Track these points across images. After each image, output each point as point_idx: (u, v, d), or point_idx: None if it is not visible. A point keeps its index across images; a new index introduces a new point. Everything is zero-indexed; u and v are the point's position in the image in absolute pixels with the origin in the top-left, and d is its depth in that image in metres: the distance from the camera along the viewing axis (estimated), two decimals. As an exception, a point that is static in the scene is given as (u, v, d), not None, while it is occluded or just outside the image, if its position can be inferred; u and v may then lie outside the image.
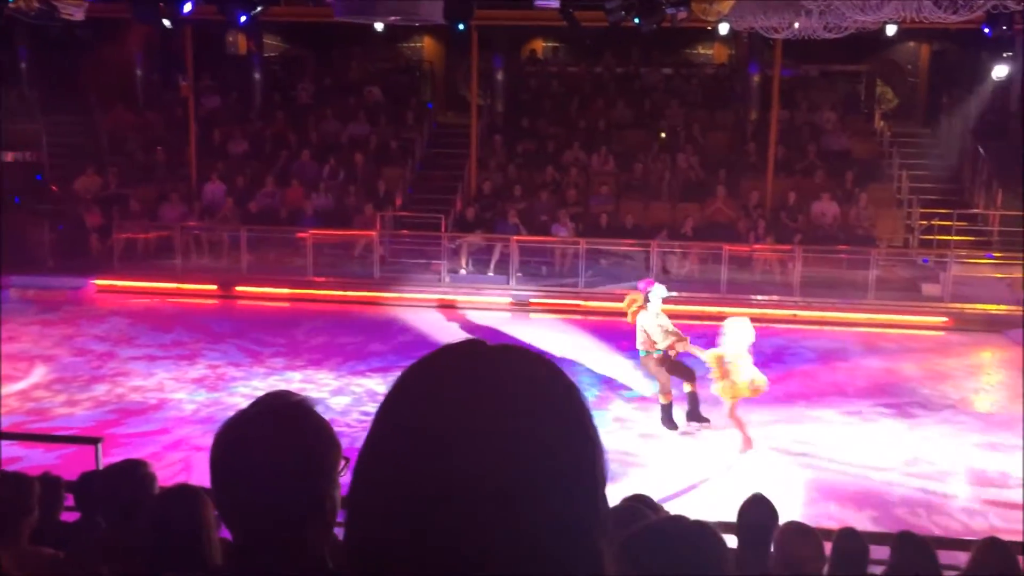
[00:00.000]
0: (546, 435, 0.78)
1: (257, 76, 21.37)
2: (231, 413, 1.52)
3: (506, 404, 0.78)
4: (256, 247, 16.73)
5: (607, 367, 12.29)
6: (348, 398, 10.60)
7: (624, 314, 9.93)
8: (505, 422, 0.77)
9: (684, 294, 15.53)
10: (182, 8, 11.81)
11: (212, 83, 21.22)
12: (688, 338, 9.70)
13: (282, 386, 11.08)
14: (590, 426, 0.82)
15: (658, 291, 9.62)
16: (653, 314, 9.56)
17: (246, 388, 10.89)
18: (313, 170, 18.84)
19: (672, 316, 15.00)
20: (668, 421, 9.79)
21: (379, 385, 11.19)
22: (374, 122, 20.21)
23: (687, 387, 9.75)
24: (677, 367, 9.77)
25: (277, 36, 23.81)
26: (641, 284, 9.98)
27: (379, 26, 17.19)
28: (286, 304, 15.75)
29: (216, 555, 2.04)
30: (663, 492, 8.24)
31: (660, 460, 9.09)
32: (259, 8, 11.11)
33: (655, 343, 9.52)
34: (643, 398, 11.00)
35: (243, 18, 11.01)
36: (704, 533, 1.33)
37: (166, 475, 7.89)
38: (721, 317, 14.50)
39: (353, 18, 10.03)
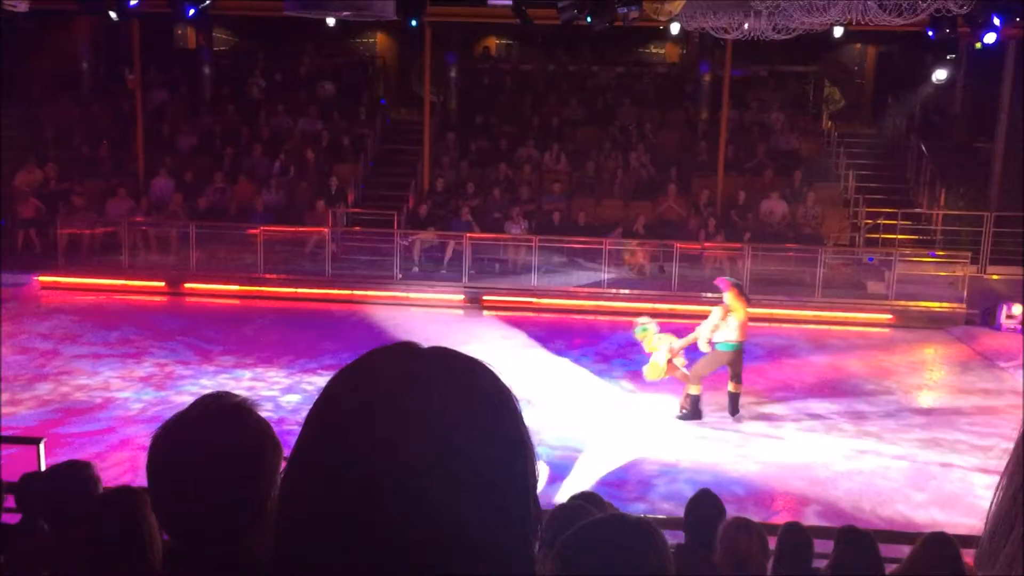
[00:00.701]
0: (477, 437, 0.78)
1: (206, 70, 21.09)
2: (206, 394, 1.51)
3: (437, 406, 0.79)
4: (205, 243, 16.51)
5: (560, 364, 12.34)
6: (299, 396, 10.51)
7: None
8: (436, 424, 0.77)
9: (635, 291, 15.70)
10: (129, 1, 11.61)
11: (160, 77, 20.88)
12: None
13: (231, 384, 10.98)
14: (522, 429, 0.83)
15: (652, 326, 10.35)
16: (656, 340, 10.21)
17: (194, 387, 10.74)
18: (264, 166, 18.64)
19: (625, 312, 15.18)
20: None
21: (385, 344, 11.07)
22: (326, 118, 20.06)
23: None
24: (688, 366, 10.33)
25: (227, 30, 23.52)
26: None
27: (331, 21, 17.04)
28: (236, 301, 15.57)
29: (157, 558, 2.02)
30: (612, 486, 8.31)
31: (611, 455, 9.15)
32: (208, 2, 10.96)
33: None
34: (594, 394, 11.06)
35: (191, 11, 10.84)
36: (639, 531, 1.35)
37: (112, 475, 7.76)
38: (671, 315, 14.70)
39: (304, 13, 9.95)
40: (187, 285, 15.77)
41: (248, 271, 15.97)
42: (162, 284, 15.76)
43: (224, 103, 20.54)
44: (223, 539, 1.32)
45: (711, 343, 10.08)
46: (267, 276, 15.92)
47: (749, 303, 10.29)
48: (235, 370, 11.53)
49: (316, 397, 0.86)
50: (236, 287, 15.74)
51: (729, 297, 10.07)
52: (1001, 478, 0.70)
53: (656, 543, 1.33)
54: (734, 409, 10.19)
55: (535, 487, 0.83)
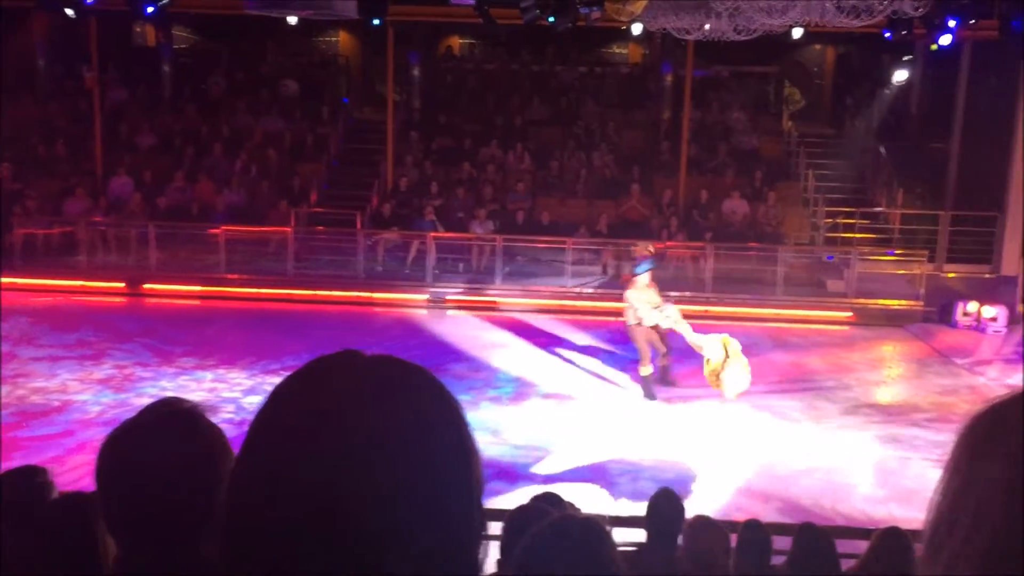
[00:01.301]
0: (421, 445, 0.79)
1: (166, 68, 20.84)
2: (155, 400, 1.49)
3: (381, 415, 0.79)
4: (165, 243, 16.33)
5: (524, 364, 12.36)
6: (261, 397, 10.36)
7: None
8: (380, 433, 0.78)
9: (599, 291, 15.77)
10: (86, -3, 11.44)
11: (119, 75, 20.60)
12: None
13: (193, 386, 10.88)
14: (465, 434, 0.83)
15: (644, 266, 10.54)
16: (639, 289, 10.43)
17: (154, 388, 10.62)
18: (225, 165, 18.47)
19: (590, 312, 15.23)
20: (648, 392, 10.59)
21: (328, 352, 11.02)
22: (289, 117, 19.91)
23: (661, 360, 10.72)
24: (658, 338, 10.58)
25: (187, 28, 23.25)
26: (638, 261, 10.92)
27: (292, 20, 16.92)
28: (197, 302, 15.41)
29: (110, 566, 1.98)
30: (578, 487, 8.34)
31: (575, 455, 9.18)
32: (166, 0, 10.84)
33: (640, 316, 10.34)
34: (558, 394, 11.10)
35: (150, 9, 10.71)
36: (587, 531, 1.36)
37: (70, 479, 7.64)
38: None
39: (265, 11, 9.87)
40: (147, 286, 15.58)
41: (209, 271, 15.82)
42: (121, 285, 15.55)
43: (184, 102, 20.32)
44: (175, 546, 1.31)
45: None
46: (229, 276, 15.78)
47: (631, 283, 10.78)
48: (196, 371, 11.41)
49: (261, 403, 0.86)
50: (197, 287, 15.58)
51: None
52: (944, 472, 0.71)
53: (603, 542, 1.34)
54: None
55: (480, 492, 0.83)
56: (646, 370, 10.58)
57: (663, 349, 10.78)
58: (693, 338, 10.37)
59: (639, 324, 10.40)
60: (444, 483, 0.79)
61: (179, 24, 21.95)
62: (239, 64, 21.91)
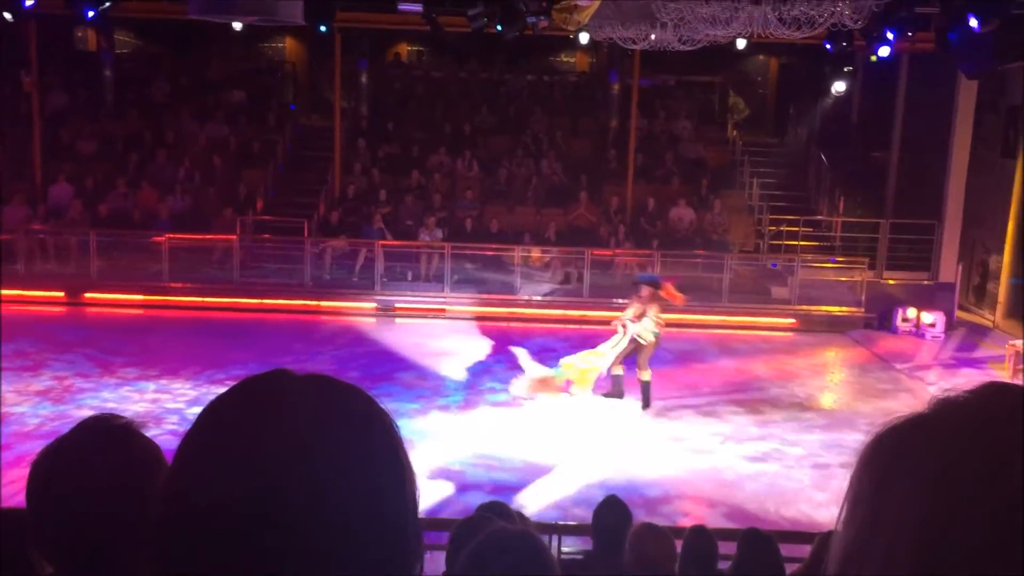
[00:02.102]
0: (354, 465, 0.79)
1: (108, 73, 20.45)
2: (89, 416, 1.45)
3: (312, 436, 0.78)
4: (107, 252, 16.01)
5: (473, 372, 12.35)
6: (206, 408, 10.27)
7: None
8: (312, 453, 0.77)
9: (548, 298, 15.82)
10: (24, 1, 11.20)
11: (59, 79, 20.17)
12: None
13: (135, 397, 10.68)
14: (399, 453, 0.83)
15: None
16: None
17: (95, 400, 10.42)
18: (168, 172, 18.18)
19: (538, 319, 15.28)
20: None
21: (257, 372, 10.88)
22: (234, 123, 19.68)
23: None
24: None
25: (130, 32, 22.86)
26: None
27: (238, 25, 16.73)
28: (139, 311, 15.14)
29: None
30: (527, 495, 8.35)
31: (524, 463, 9.19)
32: (108, 4, 10.64)
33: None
34: (508, 402, 11.11)
35: (91, 13, 10.52)
36: (521, 542, 1.36)
37: (7, 494, 7.45)
38: (583, 320, 14.88)
39: (209, 16, 9.73)
40: (88, 295, 15.27)
41: (152, 280, 15.55)
42: (61, 294, 15.22)
43: (127, 107, 19.97)
44: (109, 567, 1.28)
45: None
46: (172, 285, 15.53)
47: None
48: (138, 382, 11.21)
49: (190, 427, 0.85)
50: (140, 296, 15.32)
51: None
52: (846, 503, 0.70)
53: (540, 555, 1.35)
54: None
55: (415, 511, 0.83)
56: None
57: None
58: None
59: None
60: (378, 503, 0.79)
61: (121, 29, 21.57)
62: (183, 69, 21.60)
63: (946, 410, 0.66)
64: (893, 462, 0.65)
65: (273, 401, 0.81)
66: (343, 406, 0.82)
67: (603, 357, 10.64)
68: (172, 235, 16.02)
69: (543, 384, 10.64)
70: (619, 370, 10.84)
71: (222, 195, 17.72)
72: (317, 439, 0.78)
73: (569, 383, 10.69)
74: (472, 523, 2.53)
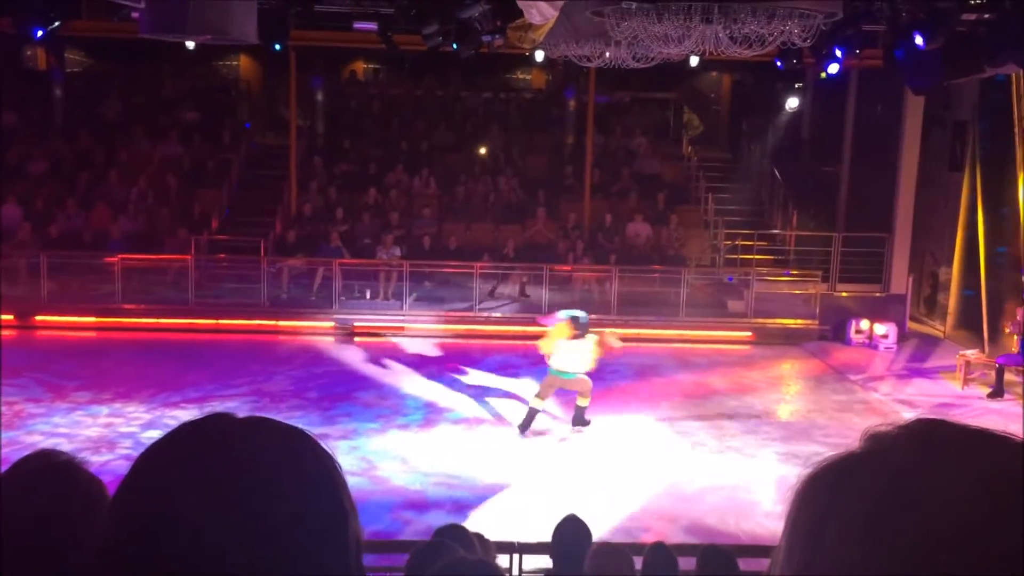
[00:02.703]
0: (294, 509, 0.78)
1: (58, 92, 20.17)
2: (29, 453, 1.41)
3: (252, 481, 0.78)
4: (58, 273, 15.72)
5: (433, 390, 12.31)
6: (161, 431, 10.07)
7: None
8: (251, 499, 0.77)
9: (506, 315, 15.84)
10: (-30, 20, 11.00)
11: (7, 98, 19.81)
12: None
13: (87, 422, 10.48)
14: (342, 497, 0.82)
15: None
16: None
17: (46, 425, 10.21)
18: (121, 191, 17.93)
19: (498, 336, 15.27)
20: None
21: (195, 416, 10.70)
22: (188, 142, 19.48)
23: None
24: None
25: (80, 51, 22.55)
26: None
27: (191, 44, 16.57)
28: (92, 334, 14.89)
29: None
30: (488, 514, 8.32)
31: (485, 481, 9.16)
32: (56, 24, 10.49)
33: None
34: (467, 419, 11.08)
35: (39, 33, 10.37)
36: (481, 572, 1.36)
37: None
38: (543, 336, 14.87)
39: (161, 36, 9.62)
40: (38, 318, 14.98)
41: (105, 301, 15.30)
42: (10, 317, 14.90)
43: (78, 127, 19.69)
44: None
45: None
46: (125, 306, 15.30)
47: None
48: (91, 406, 11.00)
49: (127, 472, 0.83)
50: (92, 319, 15.06)
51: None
52: (784, 538, 0.70)
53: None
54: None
55: (357, 551, 0.83)
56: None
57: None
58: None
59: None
60: (319, 546, 0.78)
61: (72, 47, 21.28)
62: (135, 88, 21.35)
63: (877, 447, 0.67)
64: (827, 500, 0.66)
65: (211, 448, 0.80)
66: (282, 450, 0.82)
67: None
68: (125, 256, 15.79)
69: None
70: (539, 404, 10.46)
71: (176, 215, 17.51)
72: (255, 485, 0.77)
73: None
74: (430, 548, 2.51)
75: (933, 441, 0.66)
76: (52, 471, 1.33)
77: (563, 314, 10.59)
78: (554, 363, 10.33)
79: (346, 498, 0.82)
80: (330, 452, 0.85)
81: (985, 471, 0.62)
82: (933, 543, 0.59)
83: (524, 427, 10.44)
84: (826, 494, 0.66)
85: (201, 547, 0.74)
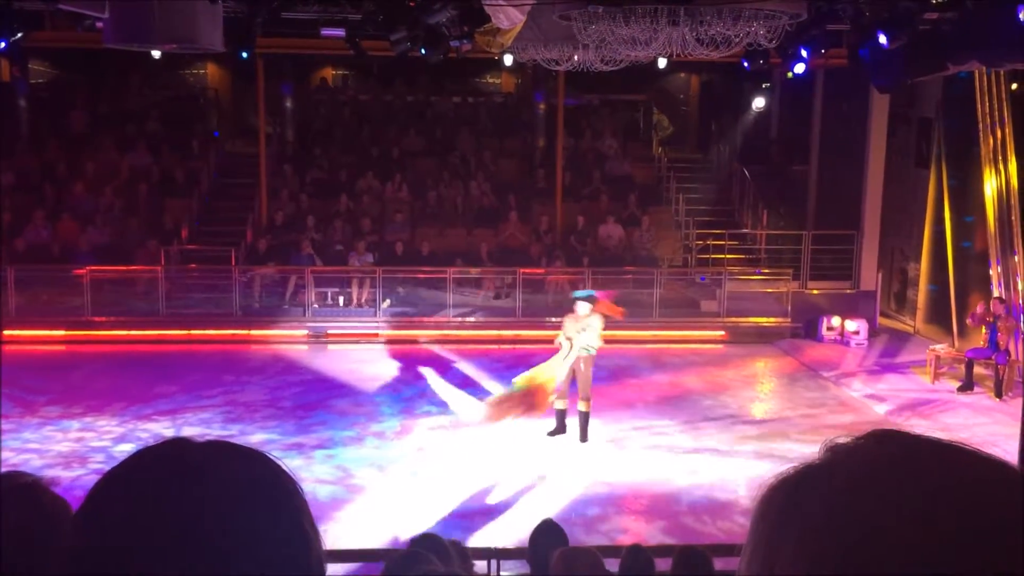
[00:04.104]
0: (254, 535, 0.77)
1: (23, 103, 19.93)
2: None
3: (210, 507, 0.77)
4: (25, 287, 15.51)
5: (408, 396, 12.27)
6: (133, 445, 10.00)
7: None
8: (209, 526, 0.76)
9: (480, 319, 15.83)
10: (-70, 32, 10.82)
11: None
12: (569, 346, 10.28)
13: (58, 436, 10.36)
14: (303, 520, 0.82)
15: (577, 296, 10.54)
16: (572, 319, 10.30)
17: (16, 441, 10.06)
18: (89, 203, 17.74)
19: (472, 341, 15.25)
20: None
21: (167, 428, 10.66)
22: (156, 152, 19.31)
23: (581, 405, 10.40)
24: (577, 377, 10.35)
25: (45, 62, 22.30)
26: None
27: (156, 53, 16.44)
28: (61, 347, 14.71)
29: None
30: (461, 518, 8.31)
31: (462, 487, 9.15)
32: (19, 35, 10.37)
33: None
34: (443, 425, 11.06)
35: (2, 44, 10.23)
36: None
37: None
38: (517, 340, 14.91)
39: (126, 45, 9.54)
40: (6, 332, 14.75)
41: (74, 314, 15.13)
42: (-22, 332, 14.69)
43: (44, 138, 19.46)
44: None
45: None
46: (95, 319, 15.13)
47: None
48: (62, 421, 10.88)
49: (84, 499, 0.82)
50: (61, 332, 14.89)
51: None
52: (746, 546, 0.71)
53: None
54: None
55: (320, 574, 0.82)
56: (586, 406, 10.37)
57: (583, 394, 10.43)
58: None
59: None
60: (280, 570, 0.78)
61: (36, 57, 21.04)
62: (102, 98, 21.15)
63: (835, 459, 0.68)
64: (786, 511, 0.67)
65: (170, 473, 0.80)
66: (242, 475, 0.81)
67: (557, 369, 10.29)
68: (93, 267, 15.62)
69: (500, 407, 10.38)
70: (562, 404, 10.45)
71: (145, 225, 17.35)
72: (214, 510, 0.77)
73: (530, 399, 10.28)
74: (404, 559, 2.50)
75: (889, 451, 0.66)
76: (16, 493, 1.31)
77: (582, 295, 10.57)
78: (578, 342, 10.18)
79: (307, 521, 0.82)
80: (292, 475, 0.84)
81: (938, 481, 0.63)
82: (885, 550, 0.60)
83: (584, 437, 10.37)
84: (784, 504, 0.67)
85: (161, 573, 0.73)
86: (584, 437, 10.41)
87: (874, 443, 0.68)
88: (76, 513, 0.80)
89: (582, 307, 10.34)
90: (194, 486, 0.78)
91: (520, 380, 10.42)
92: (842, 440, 0.69)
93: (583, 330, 10.21)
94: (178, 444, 0.83)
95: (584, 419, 10.40)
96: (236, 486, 0.79)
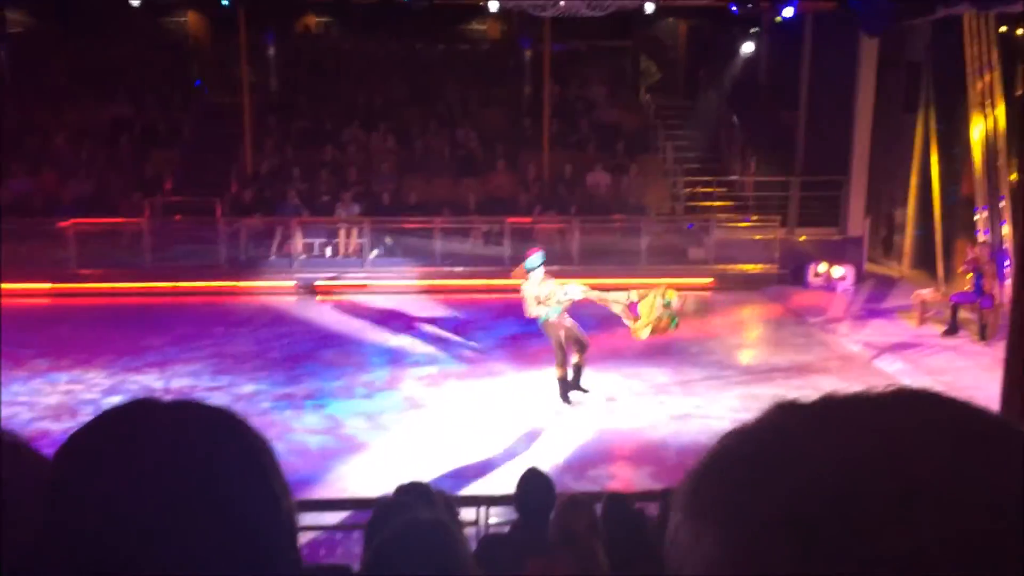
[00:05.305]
0: (220, 495, 0.77)
1: (1, 55, 19.59)
2: None
3: (175, 469, 0.76)
4: (9, 241, 15.33)
5: (397, 346, 12.31)
6: (122, 397, 10.01)
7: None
8: (175, 484, 0.75)
9: (468, 268, 15.81)
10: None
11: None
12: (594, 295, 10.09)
13: (47, 389, 10.37)
14: (272, 480, 0.81)
15: (533, 260, 9.94)
16: (533, 283, 9.86)
17: (5, 395, 10.04)
18: (71, 155, 17.55)
19: (460, 290, 15.25)
20: (563, 395, 10.08)
21: (156, 380, 10.68)
22: (138, 103, 19.07)
23: (575, 358, 10.06)
24: (569, 336, 9.98)
25: (22, 11, 21.86)
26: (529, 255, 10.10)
27: (135, 1, 16.16)
28: (47, 300, 14.66)
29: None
30: (455, 466, 8.38)
31: (451, 436, 9.22)
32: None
33: (537, 313, 9.85)
34: (432, 375, 11.11)
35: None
36: (432, 533, 1.36)
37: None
38: (506, 289, 14.88)
39: (103, -7, 9.39)
40: (-9, 286, 14.70)
41: (59, 268, 15.04)
42: (-38, 287, 14.61)
43: (23, 90, 19.17)
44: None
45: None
46: (81, 272, 15.06)
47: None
48: (50, 374, 10.88)
49: (52, 461, 0.82)
50: (47, 285, 14.82)
51: None
52: (670, 528, 0.63)
53: (450, 545, 1.35)
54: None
55: (290, 533, 0.82)
56: (558, 372, 10.04)
57: (576, 348, 10.09)
58: (616, 298, 10.01)
59: (547, 321, 9.87)
60: (248, 531, 0.77)
61: (12, 7, 20.63)
62: (81, 49, 20.79)
63: (732, 443, 0.61)
64: (691, 503, 0.59)
65: (134, 434, 0.79)
66: (208, 435, 0.80)
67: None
68: (77, 220, 15.50)
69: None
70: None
71: (129, 177, 17.19)
72: (181, 471, 0.76)
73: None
74: (389, 507, 2.52)
75: (787, 426, 0.61)
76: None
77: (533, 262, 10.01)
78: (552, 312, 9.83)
79: (276, 481, 0.81)
80: (260, 434, 0.83)
81: (822, 476, 0.54)
82: (785, 542, 0.54)
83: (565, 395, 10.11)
84: (691, 495, 0.61)
85: (128, 534, 0.73)
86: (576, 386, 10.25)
87: (771, 419, 0.60)
88: (45, 481, 0.80)
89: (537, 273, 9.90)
90: (158, 446, 0.77)
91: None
92: (740, 426, 0.63)
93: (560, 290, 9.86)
94: (143, 405, 0.82)
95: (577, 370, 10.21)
96: (202, 446, 0.79)
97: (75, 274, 15.01)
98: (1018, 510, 0.50)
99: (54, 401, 10.01)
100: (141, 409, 0.81)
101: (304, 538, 6.67)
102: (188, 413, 0.81)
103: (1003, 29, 13.65)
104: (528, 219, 16.77)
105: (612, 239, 16.42)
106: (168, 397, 0.82)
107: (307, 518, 6.43)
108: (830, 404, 0.60)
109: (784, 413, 0.60)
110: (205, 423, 0.81)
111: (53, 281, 14.85)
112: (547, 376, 10.61)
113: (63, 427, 8.90)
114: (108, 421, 0.81)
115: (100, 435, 0.80)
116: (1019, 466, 0.52)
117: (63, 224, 15.42)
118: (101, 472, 0.76)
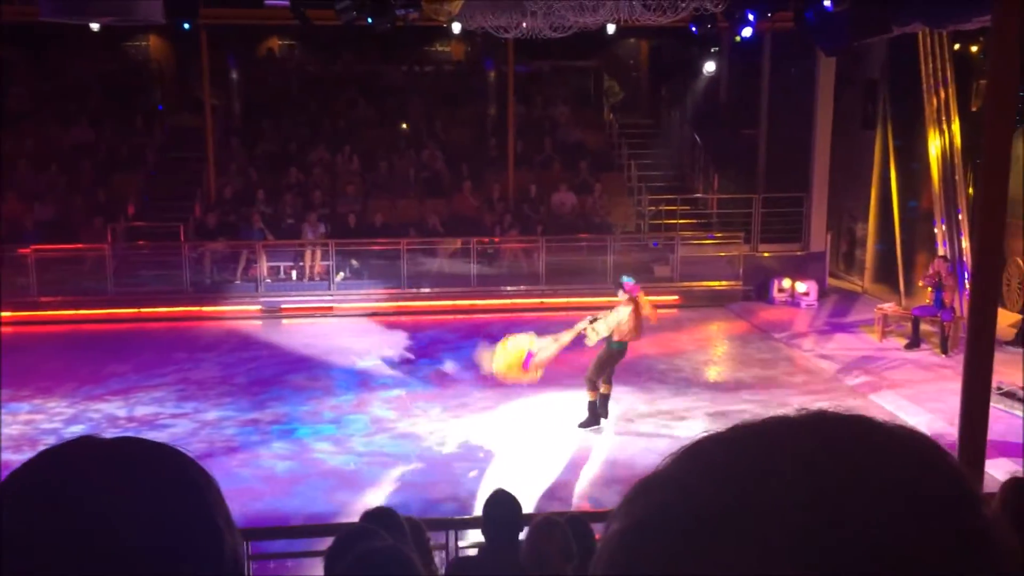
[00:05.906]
0: (161, 533, 0.76)
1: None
2: None
3: (113, 506, 0.76)
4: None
5: (364, 369, 12.25)
6: (84, 426, 9.91)
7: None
8: (112, 525, 0.75)
9: (435, 290, 15.79)
10: None
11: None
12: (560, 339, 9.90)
13: (7, 420, 10.18)
14: (217, 516, 0.81)
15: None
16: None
17: (-36, 426, 9.88)
18: (32, 180, 17.33)
19: (428, 311, 15.20)
20: (595, 419, 9.94)
21: (120, 408, 10.54)
22: (99, 127, 18.89)
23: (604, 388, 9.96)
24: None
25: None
26: None
27: (95, 26, 16.02)
28: (8, 329, 14.40)
29: None
30: (421, 488, 8.34)
31: (420, 459, 9.18)
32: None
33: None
34: (399, 398, 11.07)
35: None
36: (393, 562, 1.37)
37: None
38: (473, 310, 14.88)
39: (63, 19, 9.31)
40: (-50, 315, 14.45)
41: (19, 295, 14.81)
42: (-80, 316, 14.35)
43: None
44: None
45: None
46: (42, 299, 14.85)
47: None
48: (10, 404, 10.67)
49: None
50: (6, 313, 14.56)
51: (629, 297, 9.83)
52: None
53: (403, 571, 1.35)
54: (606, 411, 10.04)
55: (237, 571, 0.82)
56: (592, 395, 9.94)
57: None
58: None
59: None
60: (190, 567, 0.77)
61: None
62: (42, 74, 20.59)
63: (663, 462, 0.61)
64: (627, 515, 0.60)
65: (70, 474, 0.78)
66: (150, 471, 0.80)
67: (543, 341, 9.86)
68: (38, 246, 15.30)
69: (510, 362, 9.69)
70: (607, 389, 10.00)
71: (91, 202, 17.01)
72: (120, 509, 0.76)
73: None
74: (351, 534, 2.51)
75: (695, 451, 0.61)
76: None
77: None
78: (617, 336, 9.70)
79: (221, 517, 0.81)
80: (204, 469, 0.83)
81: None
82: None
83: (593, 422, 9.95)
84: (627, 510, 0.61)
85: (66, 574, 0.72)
86: (584, 423, 9.98)
87: (686, 453, 0.60)
88: None
89: (620, 292, 9.83)
90: (95, 486, 0.77)
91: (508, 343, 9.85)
92: (658, 467, 0.63)
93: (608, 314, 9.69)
94: (81, 443, 0.81)
95: (591, 406, 9.97)
96: (143, 484, 0.78)
97: (36, 302, 14.79)
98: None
99: (15, 432, 9.84)
100: (79, 448, 0.81)
101: (270, 565, 6.61)
102: (127, 450, 0.81)
103: (957, 47, 13.94)
104: (494, 239, 16.81)
105: (578, 258, 16.49)
106: (132, 426, 0.81)
107: (274, 545, 6.37)
108: (736, 430, 0.60)
109: (705, 440, 0.61)
110: (145, 460, 0.81)
111: (13, 309, 14.60)
112: (515, 396, 10.62)
113: (23, 458, 8.69)
114: (44, 462, 0.80)
115: (35, 477, 0.79)
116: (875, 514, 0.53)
117: (23, 251, 15.20)
118: (33, 516, 0.76)
